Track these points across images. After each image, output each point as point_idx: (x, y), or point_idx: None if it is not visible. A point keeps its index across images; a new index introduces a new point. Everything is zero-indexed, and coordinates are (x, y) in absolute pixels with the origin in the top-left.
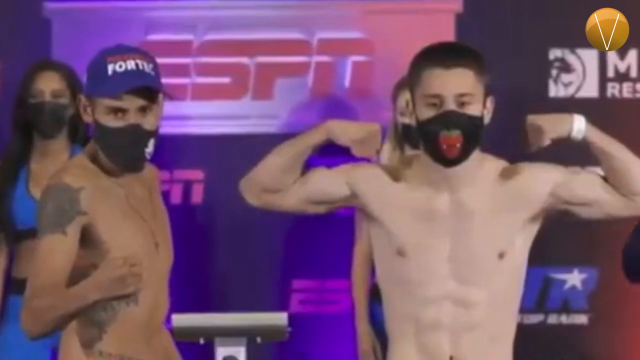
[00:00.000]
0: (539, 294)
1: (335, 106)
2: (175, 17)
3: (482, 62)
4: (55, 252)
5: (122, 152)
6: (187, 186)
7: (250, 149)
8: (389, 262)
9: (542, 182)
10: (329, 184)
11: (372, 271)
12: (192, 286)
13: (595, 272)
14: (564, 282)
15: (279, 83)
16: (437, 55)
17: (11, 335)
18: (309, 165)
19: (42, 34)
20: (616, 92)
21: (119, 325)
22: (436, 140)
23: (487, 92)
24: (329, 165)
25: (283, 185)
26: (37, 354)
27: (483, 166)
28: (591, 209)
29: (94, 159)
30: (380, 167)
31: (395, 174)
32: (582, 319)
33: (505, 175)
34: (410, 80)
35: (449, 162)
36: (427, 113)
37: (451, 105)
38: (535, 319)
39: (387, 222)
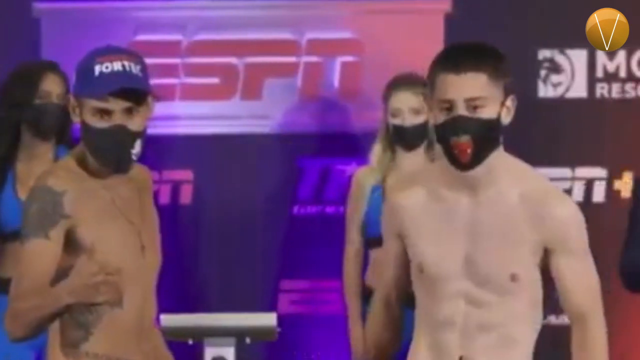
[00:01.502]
0: None
1: (325, 106)
2: (165, 17)
3: (499, 62)
4: (38, 256)
5: (108, 153)
6: (176, 186)
7: (239, 149)
8: (415, 275)
9: (558, 235)
10: (399, 258)
11: (363, 272)
12: (181, 286)
13: None
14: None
15: (268, 83)
16: (448, 59)
17: None
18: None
19: (32, 34)
20: (605, 93)
21: (105, 327)
22: (448, 146)
23: (508, 91)
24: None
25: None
26: (21, 353)
27: (503, 165)
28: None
29: (80, 161)
30: (407, 192)
31: (417, 191)
32: None
33: (536, 196)
34: (429, 84)
35: (463, 166)
36: (440, 118)
37: (461, 110)
38: None
39: (413, 241)
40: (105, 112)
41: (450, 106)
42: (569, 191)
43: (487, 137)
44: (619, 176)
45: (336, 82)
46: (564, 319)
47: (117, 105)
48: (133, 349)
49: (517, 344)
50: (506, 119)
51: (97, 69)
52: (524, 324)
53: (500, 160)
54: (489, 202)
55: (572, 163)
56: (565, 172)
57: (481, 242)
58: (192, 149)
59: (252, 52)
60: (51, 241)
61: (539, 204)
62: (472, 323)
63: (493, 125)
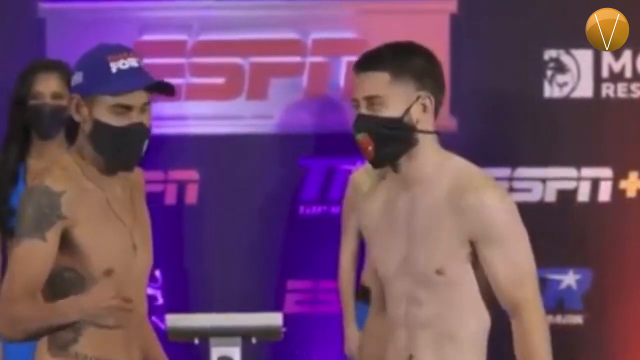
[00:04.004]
0: None
1: (330, 106)
2: (170, 17)
3: (407, 61)
4: (33, 258)
5: (124, 151)
6: (182, 186)
7: (244, 149)
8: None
9: (476, 225)
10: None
11: (358, 272)
12: (186, 286)
13: (589, 272)
14: (558, 282)
15: (274, 83)
16: (358, 60)
17: None
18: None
19: (37, 34)
20: (611, 93)
21: (95, 328)
22: (356, 144)
23: (424, 89)
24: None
25: None
26: (31, 355)
27: (434, 162)
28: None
29: (76, 160)
30: (369, 198)
31: (374, 188)
32: (577, 319)
33: (458, 189)
34: None
35: (371, 163)
36: (353, 117)
37: (363, 109)
38: None
39: (370, 245)
40: (124, 109)
41: (357, 105)
42: (574, 191)
43: (388, 135)
44: (625, 176)
45: (342, 82)
46: (564, 319)
47: (137, 101)
48: (120, 349)
49: (457, 340)
50: (420, 117)
51: (114, 66)
52: (464, 318)
53: (431, 157)
54: (421, 199)
55: (578, 163)
56: (571, 172)
57: (414, 239)
58: (197, 149)
59: (257, 52)
60: (47, 243)
61: (460, 195)
62: (414, 321)
63: (395, 124)
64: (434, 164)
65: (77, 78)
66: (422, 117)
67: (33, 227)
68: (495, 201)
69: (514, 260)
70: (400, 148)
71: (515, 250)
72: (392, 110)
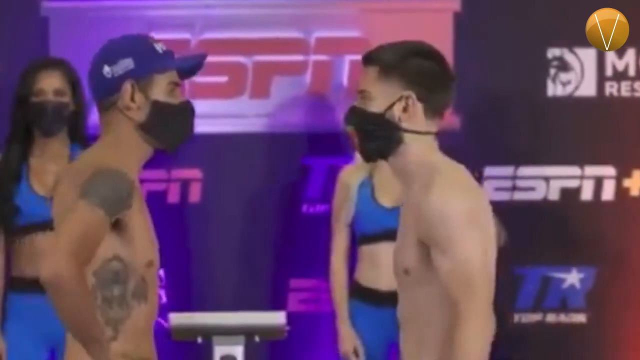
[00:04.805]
0: (537, 293)
1: (333, 105)
2: (173, 16)
3: (400, 61)
4: (100, 230)
5: (185, 127)
6: (185, 185)
7: (247, 147)
8: None
9: (424, 226)
10: None
11: (351, 270)
12: (189, 285)
13: (593, 271)
14: (562, 281)
15: (277, 82)
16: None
17: (12, 334)
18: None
19: (40, 33)
20: (614, 91)
21: (131, 323)
22: None
23: (411, 89)
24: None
25: None
26: (35, 353)
27: (418, 165)
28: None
29: (110, 155)
30: None
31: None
32: (580, 318)
33: (421, 188)
34: None
35: (361, 155)
36: None
37: (356, 102)
38: (533, 318)
39: None
40: (176, 86)
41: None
42: (578, 190)
43: (371, 130)
44: (628, 174)
45: (345, 81)
46: (567, 318)
47: (179, 79)
48: (148, 346)
49: (425, 345)
50: (402, 116)
51: (158, 47)
52: (433, 324)
53: (416, 156)
54: (406, 197)
55: (581, 161)
56: (575, 170)
57: (399, 236)
58: (200, 148)
59: (260, 51)
60: (109, 225)
61: (418, 195)
62: (401, 318)
63: (376, 120)
64: (418, 164)
65: (126, 64)
66: (405, 117)
67: (109, 204)
68: (442, 204)
69: (458, 267)
70: (383, 144)
71: (460, 256)
72: (376, 106)
